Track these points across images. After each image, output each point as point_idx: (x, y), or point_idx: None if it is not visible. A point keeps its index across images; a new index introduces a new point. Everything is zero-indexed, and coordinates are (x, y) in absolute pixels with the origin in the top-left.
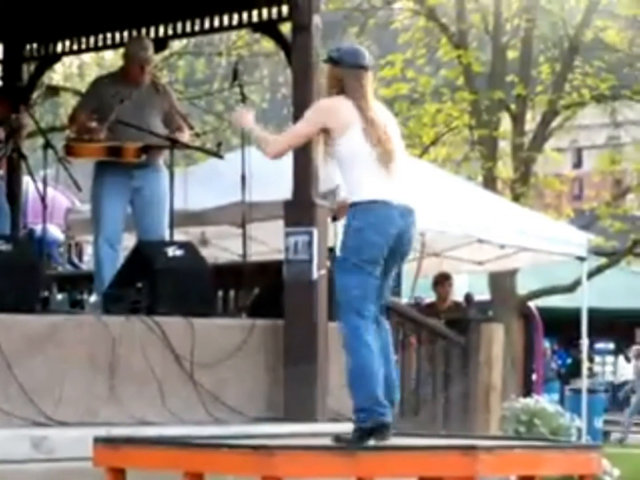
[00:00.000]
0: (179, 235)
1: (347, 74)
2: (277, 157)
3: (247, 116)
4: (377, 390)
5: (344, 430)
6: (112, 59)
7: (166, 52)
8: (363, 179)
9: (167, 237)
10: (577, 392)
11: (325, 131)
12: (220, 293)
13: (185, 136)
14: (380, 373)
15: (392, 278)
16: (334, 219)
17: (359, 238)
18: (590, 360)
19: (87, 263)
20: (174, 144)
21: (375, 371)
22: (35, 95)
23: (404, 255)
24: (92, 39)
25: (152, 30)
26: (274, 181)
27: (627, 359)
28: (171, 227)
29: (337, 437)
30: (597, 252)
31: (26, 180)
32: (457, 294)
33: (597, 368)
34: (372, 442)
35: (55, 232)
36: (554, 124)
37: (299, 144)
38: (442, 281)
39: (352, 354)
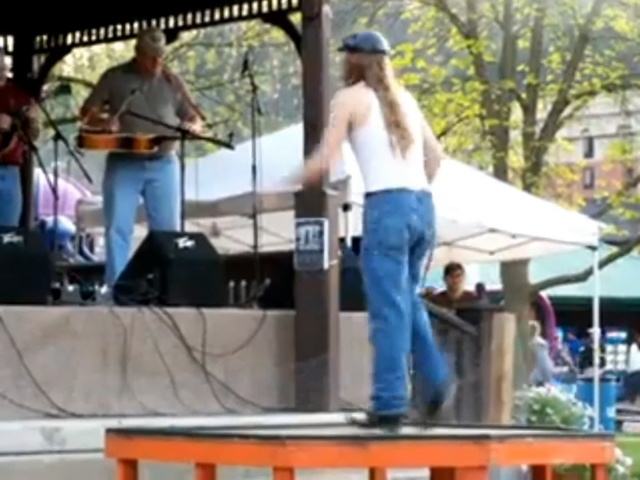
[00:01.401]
0: (190, 227)
1: (365, 59)
2: (333, 163)
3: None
4: (397, 383)
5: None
6: (123, 50)
7: (176, 43)
8: (380, 168)
9: (178, 228)
10: (589, 381)
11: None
12: (231, 284)
13: (197, 126)
14: (420, 358)
15: (421, 266)
16: (345, 208)
17: (378, 226)
18: (602, 349)
19: (98, 254)
20: (185, 134)
21: (398, 364)
22: (46, 88)
23: (430, 239)
24: (102, 31)
25: (163, 21)
26: (285, 171)
27: None
28: (182, 218)
29: (353, 420)
30: (608, 241)
31: (37, 172)
32: (469, 284)
33: (609, 357)
34: (380, 431)
35: (67, 223)
36: (565, 113)
37: (341, 145)
38: (452, 271)
39: (380, 343)
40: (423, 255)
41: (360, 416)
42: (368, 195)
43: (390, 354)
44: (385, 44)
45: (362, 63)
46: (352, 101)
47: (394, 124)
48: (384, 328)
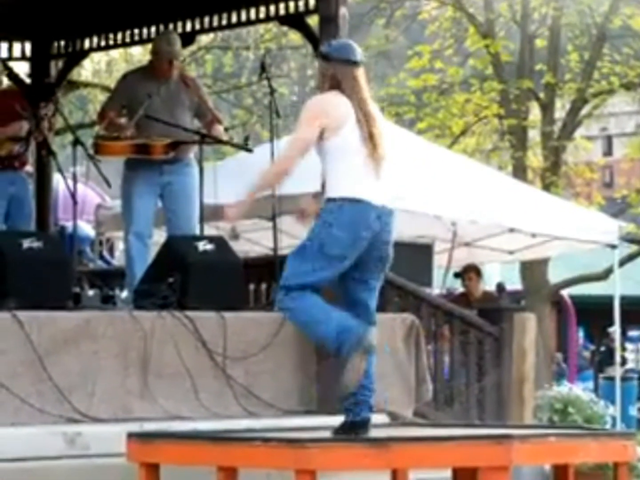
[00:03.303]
0: (210, 230)
1: (339, 69)
2: (290, 169)
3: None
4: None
5: (377, 421)
6: (140, 54)
7: (194, 47)
8: (346, 175)
9: (197, 232)
10: (611, 380)
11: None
12: (251, 286)
13: (219, 130)
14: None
15: (377, 286)
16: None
17: (327, 233)
18: (623, 348)
19: (118, 259)
20: (203, 138)
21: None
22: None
23: (384, 259)
24: (119, 35)
25: (180, 25)
26: (304, 174)
27: None
28: (201, 221)
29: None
30: (628, 239)
31: (57, 177)
32: (489, 284)
33: (630, 356)
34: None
35: (86, 228)
36: (584, 112)
37: (306, 150)
38: (465, 274)
39: (316, 324)
40: (375, 276)
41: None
42: (328, 200)
43: (335, 323)
44: (359, 55)
45: (337, 73)
46: (326, 109)
47: (368, 134)
48: (301, 302)
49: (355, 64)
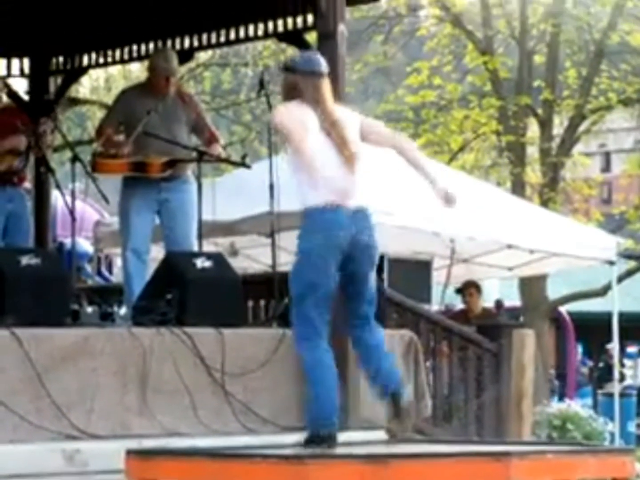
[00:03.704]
0: (209, 246)
1: (301, 80)
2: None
3: None
4: (327, 406)
5: (376, 438)
6: (139, 71)
7: (192, 64)
8: (312, 184)
9: (195, 248)
10: (610, 396)
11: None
12: (250, 303)
13: (217, 147)
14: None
15: (370, 283)
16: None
17: (307, 241)
18: (622, 364)
19: (116, 275)
20: (201, 155)
21: (328, 388)
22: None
23: (369, 258)
24: (118, 52)
25: (178, 41)
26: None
27: None
28: (200, 238)
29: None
30: (626, 255)
31: (55, 193)
32: (488, 300)
33: (628, 372)
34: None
35: (85, 245)
36: (582, 128)
37: (306, 150)
38: (465, 290)
39: (307, 372)
40: (365, 273)
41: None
42: (303, 213)
43: (311, 368)
44: (323, 66)
45: (298, 84)
46: (287, 112)
47: (334, 140)
48: (308, 350)
49: (319, 75)
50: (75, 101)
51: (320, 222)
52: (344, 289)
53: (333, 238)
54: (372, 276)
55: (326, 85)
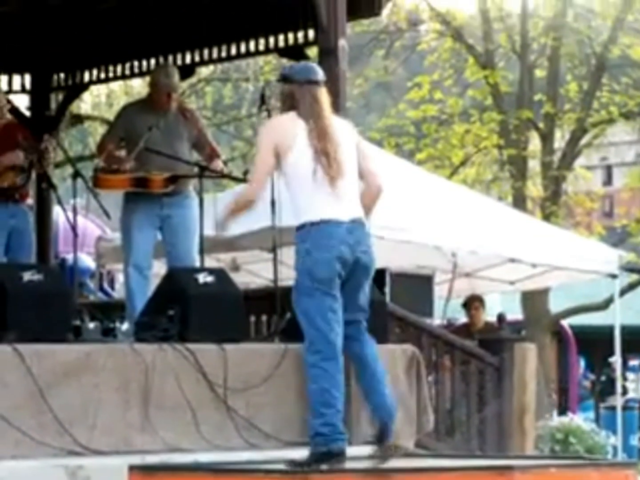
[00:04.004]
0: (211, 262)
1: (298, 90)
2: (260, 192)
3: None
4: (335, 417)
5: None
6: (140, 86)
7: (194, 79)
8: (308, 200)
9: (197, 264)
10: (612, 409)
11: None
12: (252, 318)
13: (218, 163)
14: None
15: (363, 294)
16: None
17: (309, 259)
18: (624, 377)
19: (118, 291)
20: (203, 171)
21: (335, 398)
22: (60, 124)
23: (367, 269)
24: (119, 68)
25: (179, 57)
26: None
27: None
28: (202, 253)
29: (293, 462)
30: (628, 268)
31: (57, 209)
32: (490, 314)
33: (630, 385)
34: (325, 467)
35: (87, 260)
36: (583, 141)
37: (269, 173)
38: (471, 303)
39: (316, 378)
40: (361, 286)
41: (299, 456)
42: (298, 228)
43: (328, 389)
44: (320, 75)
45: (295, 93)
46: (276, 131)
47: (322, 153)
48: (319, 364)
49: (315, 83)
50: (80, 119)
51: (318, 238)
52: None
53: (337, 252)
54: (366, 287)
55: (323, 94)
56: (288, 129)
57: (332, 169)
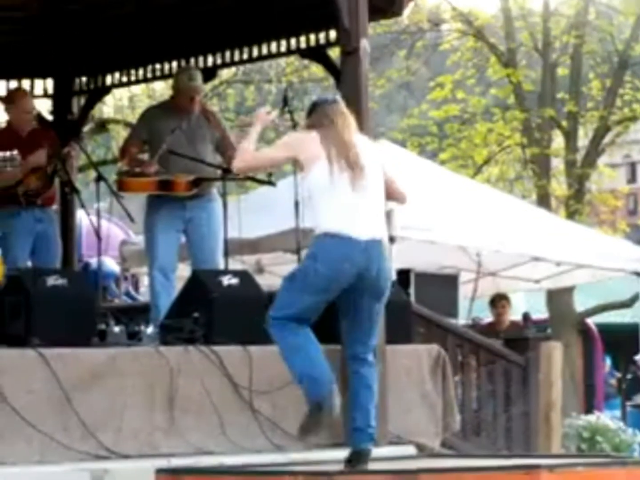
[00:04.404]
0: (235, 264)
1: (316, 112)
2: (241, 171)
3: (262, 119)
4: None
5: (405, 453)
6: (162, 89)
7: (216, 81)
8: (326, 211)
9: (221, 266)
10: (638, 407)
11: (297, 163)
12: None
13: None
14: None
15: (373, 316)
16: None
17: (311, 266)
18: None
19: (143, 294)
20: (226, 173)
21: (313, 368)
22: (85, 129)
23: (378, 292)
24: (141, 71)
25: (201, 59)
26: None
27: None
28: (226, 255)
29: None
30: None
31: (80, 213)
32: (515, 313)
33: None
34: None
35: (111, 264)
36: (607, 139)
37: (263, 166)
38: (497, 302)
39: (289, 364)
40: (369, 306)
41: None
42: (315, 236)
43: (303, 368)
44: (335, 96)
45: (316, 118)
46: (300, 142)
47: (344, 168)
48: (285, 347)
49: (330, 102)
50: (105, 126)
51: (328, 254)
52: (345, 317)
53: (337, 269)
54: (377, 309)
55: (340, 112)
56: (312, 143)
57: (353, 185)
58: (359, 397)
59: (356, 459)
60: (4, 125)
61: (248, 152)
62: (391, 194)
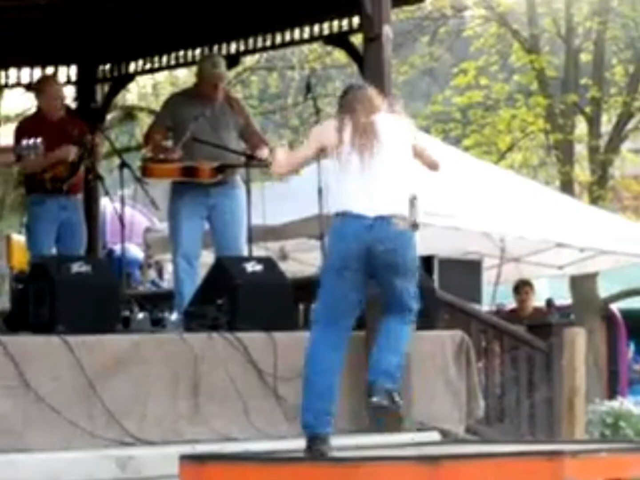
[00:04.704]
0: (259, 251)
1: (341, 100)
2: (282, 176)
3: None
4: (315, 403)
5: (429, 439)
6: (186, 76)
7: (239, 68)
8: (337, 192)
9: (245, 253)
10: None
11: (323, 152)
12: (301, 307)
13: (264, 153)
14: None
15: (395, 290)
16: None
17: (328, 246)
18: None
19: (167, 281)
20: (249, 160)
21: (319, 388)
22: (110, 117)
23: (390, 266)
24: (165, 58)
25: (224, 46)
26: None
27: None
28: (250, 242)
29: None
30: None
31: (104, 201)
32: (538, 299)
33: None
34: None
35: (135, 251)
36: (630, 125)
37: (301, 165)
38: (520, 288)
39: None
40: (387, 280)
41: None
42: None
43: (308, 376)
44: (359, 83)
45: (340, 108)
46: (322, 131)
47: (356, 149)
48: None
49: (357, 88)
50: (132, 115)
51: (336, 233)
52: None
53: (345, 249)
54: (399, 285)
55: (366, 95)
56: (329, 131)
57: (363, 164)
58: (378, 345)
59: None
60: (34, 111)
61: (282, 160)
62: (424, 163)
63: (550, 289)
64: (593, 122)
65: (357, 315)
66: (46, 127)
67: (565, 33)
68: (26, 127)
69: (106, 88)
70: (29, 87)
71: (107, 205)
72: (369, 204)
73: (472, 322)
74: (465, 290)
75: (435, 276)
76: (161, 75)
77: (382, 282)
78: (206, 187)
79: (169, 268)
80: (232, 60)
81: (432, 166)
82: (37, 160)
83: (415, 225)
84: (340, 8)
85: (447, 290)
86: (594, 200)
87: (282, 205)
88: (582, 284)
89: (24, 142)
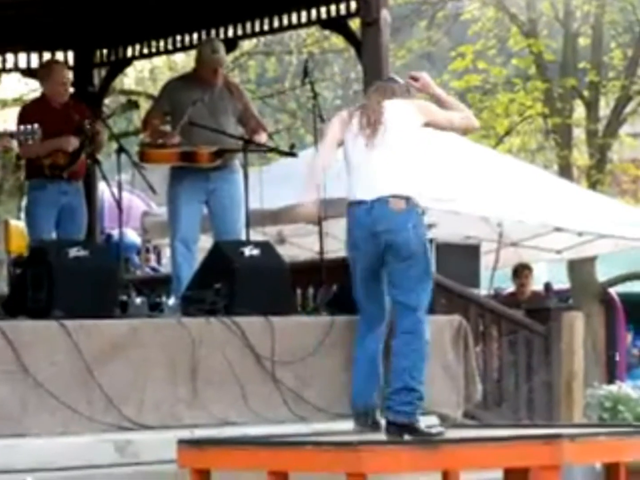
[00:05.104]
0: (257, 235)
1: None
2: (326, 168)
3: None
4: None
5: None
6: (184, 61)
7: (237, 52)
8: (348, 180)
9: (243, 237)
10: None
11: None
12: (298, 291)
13: (262, 138)
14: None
15: (398, 272)
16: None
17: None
18: None
19: (165, 266)
20: (247, 145)
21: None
22: (114, 105)
23: (391, 248)
24: (162, 42)
25: (222, 31)
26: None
27: None
28: (247, 226)
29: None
30: None
31: (102, 185)
32: (537, 283)
33: None
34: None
35: (133, 236)
36: (628, 109)
37: (331, 152)
38: (519, 272)
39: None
40: (393, 263)
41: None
42: None
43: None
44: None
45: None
46: (334, 122)
47: (361, 131)
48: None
49: (382, 80)
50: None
51: (347, 224)
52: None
53: (352, 238)
54: (398, 267)
55: (382, 87)
56: (338, 121)
57: (366, 146)
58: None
59: None
60: (37, 96)
61: (316, 161)
62: (459, 132)
63: (549, 273)
64: (591, 106)
65: (385, 306)
66: (49, 112)
67: (563, 17)
68: (29, 112)
69: (103, 72)
70: (25, 72)
71: (105, 190)
72: (370, 187)
73: (470, 306)
74: (464, 275)
75: (433, 261)
76: (159, 60)
77: (388, 269)
78: (205, 172)
79: (167, 253)
80: (230, 45)
81: (469, 128)
82: (34, 146)
83: (429, 225)
84: None
85: (445, 274)
86: (593, 185)
87: (280, 189)
88: (580, 268)
89: (22, 127)
